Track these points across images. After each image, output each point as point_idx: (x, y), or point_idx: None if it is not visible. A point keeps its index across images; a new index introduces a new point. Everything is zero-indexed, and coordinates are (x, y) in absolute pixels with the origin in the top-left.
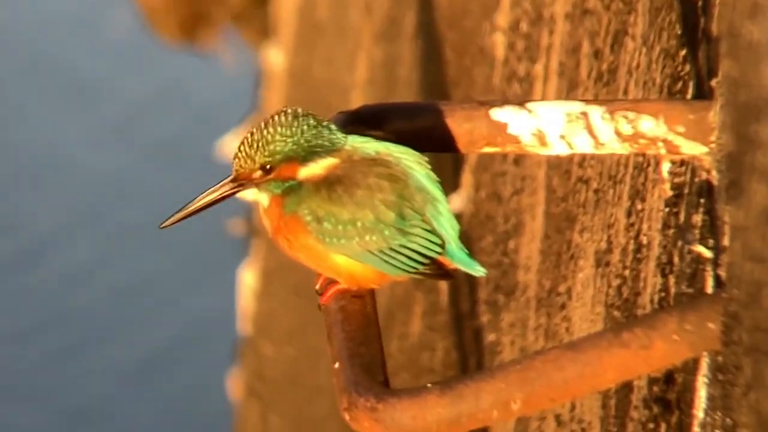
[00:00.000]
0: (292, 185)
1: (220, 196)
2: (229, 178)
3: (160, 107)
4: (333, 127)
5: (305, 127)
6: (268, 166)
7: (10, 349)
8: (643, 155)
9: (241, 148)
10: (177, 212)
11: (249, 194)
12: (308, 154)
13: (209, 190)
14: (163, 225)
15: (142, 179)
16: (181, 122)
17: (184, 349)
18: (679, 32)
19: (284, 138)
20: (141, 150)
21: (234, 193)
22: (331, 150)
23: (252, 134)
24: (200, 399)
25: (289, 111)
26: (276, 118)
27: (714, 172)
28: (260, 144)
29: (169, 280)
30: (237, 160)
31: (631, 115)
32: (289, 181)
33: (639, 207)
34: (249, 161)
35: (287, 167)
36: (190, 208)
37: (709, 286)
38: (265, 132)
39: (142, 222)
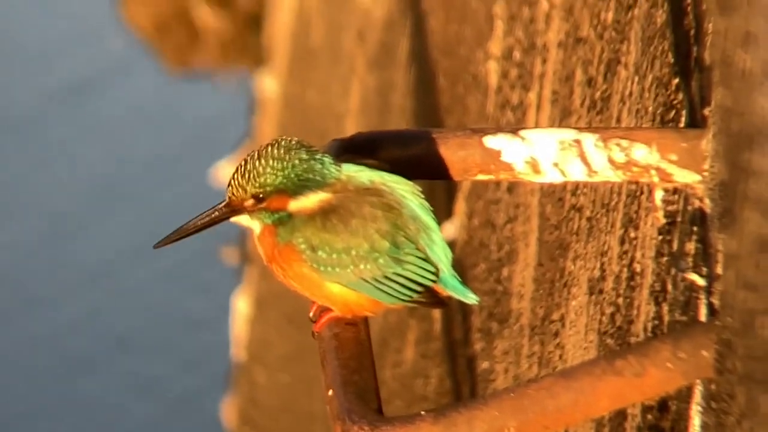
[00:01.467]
0: (283, 216)
1: (214, 220)
2: (223, 203)
3: (154, 131)
4: (326, 158)
5: (297, 161)
6: (260, 196)
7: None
8: (636, 183)
9: (234, 177)
10: (171, 234)
11: (242, 220)
12: (298, 188)
13: (203, 214)
14: (157, 245)
15: (135, 199)
16: (176, 146)
17: (177, 375)
18: (672, 61)
19: (275, 171)
20: (134, 171)
21: (227, 218)
22: (322, 184)
23: (245, 163)
24: (194, 425)
25: (282, 142)
26: (268, 149)
27: (707, 201)
28: (252, 175)
29: (162, 305)
30: (230, 187)
31: (624, 143)
32: (279, 212)
33: (632, 235)
34: (241, 190)
35: (277, 199)
36: (184, 230)
37: (703, 314)
38: (257, 163)
39: (136, 243)
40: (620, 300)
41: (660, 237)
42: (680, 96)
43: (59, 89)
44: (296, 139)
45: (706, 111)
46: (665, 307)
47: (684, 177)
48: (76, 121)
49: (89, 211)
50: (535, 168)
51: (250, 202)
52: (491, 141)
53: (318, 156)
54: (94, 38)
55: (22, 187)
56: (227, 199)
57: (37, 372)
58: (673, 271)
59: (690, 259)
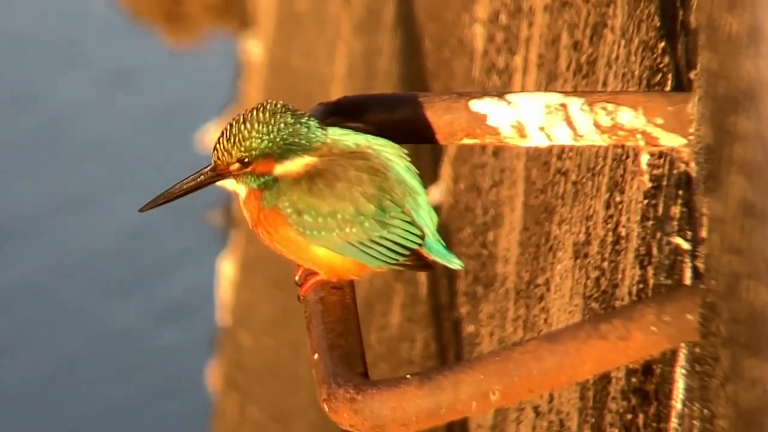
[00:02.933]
0: (269, 180)
1: (199, 184)
2: (209, 167)
3: (138, 95)
4: (312, 122)
5: (282, 125)
6: (245, 160)
7: None
8: (622, 147)
9: (220, 141)
10: (156, 197)
11: (228, 184)
12: (284, 152)
13: (189, 178)
14: (142, 209)
15: (121, 163)
16: (162, 110)
17: (162, 338)
18: (658, 24)
19: (260, 135)
20: (120, 136)
21: (212, 182)
22: (307, 148)
23: (230, 127)
24: (179, 389)
25: (268, 106)
26: (254, 113)
27: (692, 164)
28: (237, 139)
29: (147, 267)
30: (215, 151)
31: (609, 106)
32: (265, 176)
33: (618, 199)
34: (226, 154)
35: (263, 163)
36: (169, 194)
37: (688, 278)
38: (242, 127)
39: (119, 208)
40: (605, 264)
41: (645, 201)
42: (666, 59)
43: (41, 54)
44: (282, 102)
45: (692, 75)
46: (650, 271)
47: (670, 141)
48: (57, 85)
49: (73, 175)
50: (521, 132)
51: (235, 166)
52: (477, 105)
53: (304, 120)
54: (76, 1)
55: (16, 154)
56: (213, 163)
57: (25, 318)
58: (658, 234)
59: (675, 223)
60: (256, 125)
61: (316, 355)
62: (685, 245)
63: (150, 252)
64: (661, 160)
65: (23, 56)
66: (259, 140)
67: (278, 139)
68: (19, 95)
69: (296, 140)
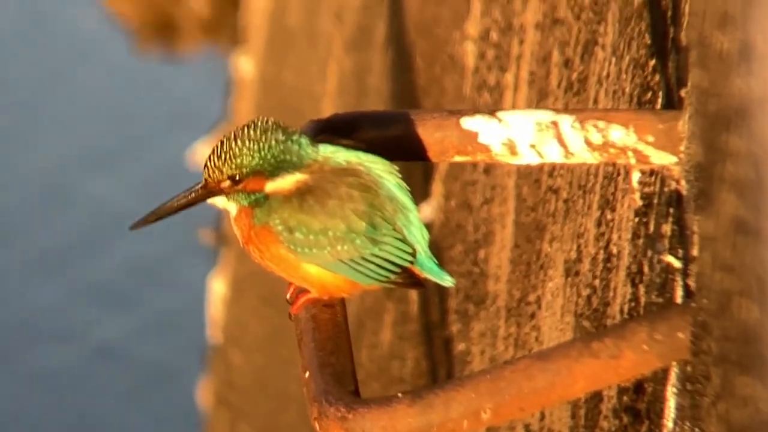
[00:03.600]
0: (259, 198)
1: (191, 201)
2: (200, 185)
3: (129, 111)
4: (303, 139)
5: (273, 142)
6: (236, 177)
7: None
8: (613, 165)
9: (211, 158)
10: (147, 215)
11: (218, 202)
12: (275, 169)
13: (180, 195)
14: (133, 227)
15: (112, 180)
16: (153, 127)
17: (153, 356)
18: (649, 42)
19: (251, 152)
20: (110, 153)
21: (203, 199)
22: (298, 165)
23: (221, 145)
24: (170, 407)
25: (258, 123)
26: (245, 130)
27: (683, 182)
28: (228, 156)
29: (138, 286)
30: (206, 169)
31: (601, 124)
32: (256, 193)
33: (609, 217)
34: (217, 172)
35: (254, 181)
36: (161, 212)
37: (679, 296)
38: (233, 144)
39: (111, 226)
40: (597, 282)
41: (636, 219)
42: (657, 77)
43: (31, 69)
44: (273, 119)
45: (683, 92)
46: (641, 289)
47: (661, 158)
48: (48, 102)
49: (64, 192)
50: (512, 149)
51: (226, 183)
52: (468, 122)
53: (295, 137)
54: (68, 17)
55: None
56: (204, 181)
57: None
58: (649, 252)
59: (666, 241)
60: (247, 142)
61: (307, 373)
62: (677, 263)
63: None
64: (652, 178)
65: (8, 66)
66: (250, 158)
67: (269, 157)
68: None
69: (287, 157)
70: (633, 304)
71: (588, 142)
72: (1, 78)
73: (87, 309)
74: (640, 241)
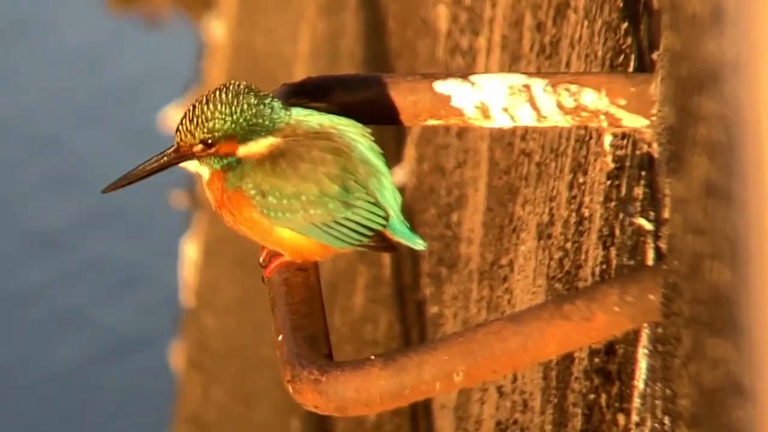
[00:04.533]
0: (232, 161)
1: (162, 165)
2: (172, 149)
3: (101, 75)
4: (276, 103)
5: (245, 106)
6: (208, 141)
7: None
8: (585, 128)
9: (183, 122)
10: (119, 179)
11: (191, 166)
12: (247, 133)
13: (152, 159)
14: (105, 190)
15: (82, 143)
16: (124, 91)
17: (125, 318)
18: (621, 5)
19: (223, 116)
20: (81, 119)
21: (175, 163)
22: (271, 129)
23: (193, 109)
24: (142, 371)
25: (231, 87)
26: (217, 94)
27: (655, 145)
28: (200, 120)
29: (109, 249)
30: (178, 133)
31: (573, 87)
32: (228, 157)
33: (581, 180)
34: (189, 135)
35: (226, 145)
36: (132, 176)
37: (650, 259)
38: (205, 108)
39: (82, 190)
40: (569, 245)
41: (608, 182)
42: (629, 40)
43: (6, 30)
44: (245, 83)
45: (655, 55)
46: (613, 252)
47: (632, 122)
48: (19, 63)
49: (35, 156)
50: (485, 113)
51: (198, 147)
52: (441, 86)
53: (267, 101)
54: None
55: None
56: (176, 145)
57: None
58: (621, 215)
59: (638, 204)
60: (219, 106)
61: (280, 337)
62: (648, 226)
63: (113, 233)
64: (624, 141)
65: None
66: (222, 121)
67: (241, 120)
68: None
69: (259, 121)
70: (604, 266)
71: (560, 106)
72: None
73: (46, 266)
74: (612, 204)
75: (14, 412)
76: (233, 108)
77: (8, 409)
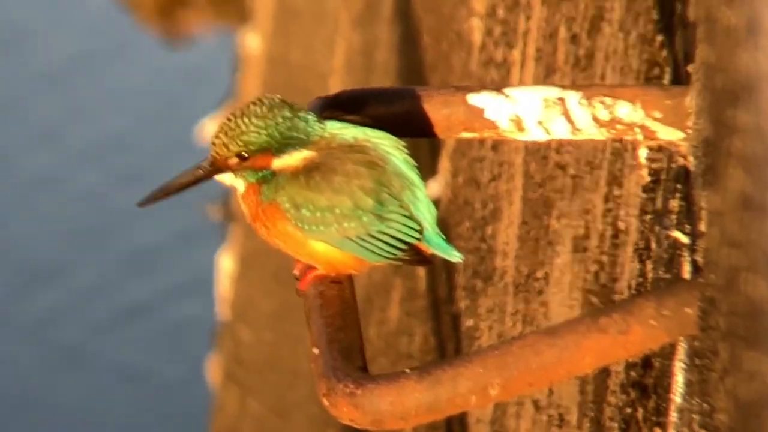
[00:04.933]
0: (266, 174)
1: (198, 178)
2: (207, 162)
3: (137, 88)
4: (310, 116)
5: (280, 119)
6: (243, 154)
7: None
8: (621, 141)
9: (218, 135)
10: (154, 192)
11: (226, 178)
12: (282, 146)
13: (187, 172)
14: (141, 204)
15: (119, 157)
16: (160, 104)
17: (162, 332)
18: (656, 17)
19: (258, 129)
20: (119, 131)
21: (211, 176)
22: (305, 142)
23: (228, 122)
24: (179, 385)
25: (265, 101)
26: (252, 107)
27: (691, 158)
28: (235, 133)
29: (147, 262)
30: (213, 146)
31: (608, 100)
32: (263, 170)
33: (616, 193)
34: (224, 149)
35: (261, 158)
36: (168, 189)
37: (686, 272)
38: (240, 122)
39: (122, 204)
40: (604, 258)
41: (644, 195)
42: (664, 53)
43: (41, 47)
44: (279, 97)
45: (690, 68)
46: (649, 265)
47: (668, 134)
48: (55, 76)
49: (72, 172)
50: (519, 126)
51: (233, 160)
52: (475, 99)
53: (301, 114)
54: None
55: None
56: (211, 158)
57: (26, 316)
58: (657, 228)
59: (674, 217)
60: (253, 119)
61: (315, 350)
62: (684, 239)
63: (150, 245)
64: (660, 154)
65: (21, 49)
66: (257, 134)
67: (276, 134)
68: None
69: (294, 134)
70: (641, 279)
71: (595, 119)
72: (13, 53)
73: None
74: (648, 217)
75: (54, 420)
76: (268, 121)
77: (51, 413)
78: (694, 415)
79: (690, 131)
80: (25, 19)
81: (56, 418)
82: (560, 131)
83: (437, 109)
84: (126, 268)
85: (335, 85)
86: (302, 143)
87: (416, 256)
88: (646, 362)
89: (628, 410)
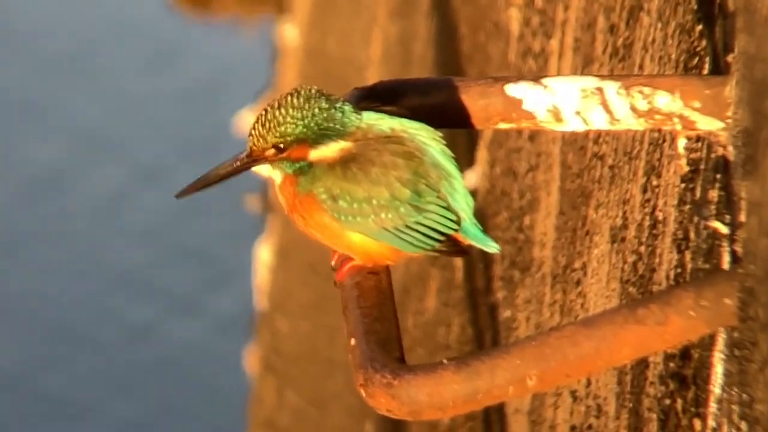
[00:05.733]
0: (304, 165)
1: (236, 170)
2: (245, 153)
3: (176, 79)
4: (347, 107)
5: (317, 110)
6: (281, 145)
7: None
8: (659, 131)
9: (255, 126)
10: (193, 183)
11: (263, 170)
12: (319, 137)
13: (225, 163)
14: (179, 195)
15: (157, 153)
16: (199, 94)
17: (200, 325)
18: (695, 7)
19: (295, 120)
20: (157, 124)
21: (248, 168)
22: (342, 133)
23: (265, 113)
24: (218, 374)
25: (302, 92)
26: (288, 98)
27: (730, 148)
28: (272, 124)
29: (185, 256)
30: (251, 137)
31: (646, 90)
32: (300, 162)
33: (654, 183)
34: (261, 140)
35: (298, 149)
36: (206, 180)
37: (726, 262)
38: (277, 113)
39: (158, 200)
40: (642, 248)
41: (683, 185)
42: (703, 43)
43: (78, 33)
44: (316, 88)
45: (730, 58)
46: (688, 255)
47: (707, 124)
48: (96, 68)
49: (105, 154)
50: (557, 116)
51: (271, 151)
52: (513, 89)
53: (338, 105)
54: None
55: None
56: (249, 149)
57: (49, 313)
58: (695, 218)
59: (713, 207)
60: (290, 111)
61: (352, 340)
62: (723, 229)
63: (188, 237)
64: (699, 144)
65: (62, 36)
66: (294, 126)
67: (313, 125)
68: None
69: (331, 125)
70: (679, 270)
71: (633, 109)
72: (42, 41)
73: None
74: (687, 207)
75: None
76: (305, 112)
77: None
78: (733, 406)
79: (729, 121)
80: (69, 9)
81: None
82: (598, 121)
83: (474, 100)
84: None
85: (372, 76)
86: (339, 134)
87: (453, 247)
88: (685, 353)
89: (667, 401)
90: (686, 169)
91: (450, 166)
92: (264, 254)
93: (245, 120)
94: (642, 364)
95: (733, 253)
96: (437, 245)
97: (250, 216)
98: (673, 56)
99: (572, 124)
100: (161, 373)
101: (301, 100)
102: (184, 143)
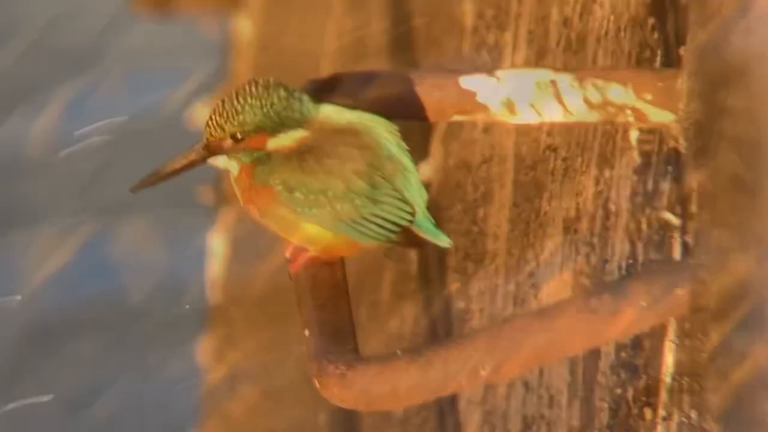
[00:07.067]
0: (261, 155)
1: (192, 163)
2: (201, 145)
3: (126, 70)
4: (305, 97)
5: (275, 99)
6: (238, 136)
7: None
8: (612, 123)
9: (212, 117)
10: (147, 177)
11: (220, 162)
12: (277, 126)
13: (180, 156)
14: (134, 189)
15: (114, 143)
16: (150, 88)
17: (152, 314)
18: (648, 0)
19: (253, 109)
20: (106, 111)
21: (204, 160)
22: (301, 122)
23: (222, 103)
24: (169, 366)
25: (260, 81)
26: (246, 88)
27: (682, 140)
28: (230, 114)
29: (135, 246)
30: (207, 128)
31: (599, 82)
32: (258, 151)
33: (607, 175)
34: (219, 130)
35: (256, 138)
36: (161, 173)
37: (677, 253)
38: (235, 102)
39: (115, 193)
40: (595, 239)
41: (635, 177)
42: (656, 35)
43: (30, 26)
44: (274, 78)
45: (682, 50)
46: (640, 246)
47: (659, 117)
48: (46, 55)
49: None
50: (511, 109)
51: (228, 142)
52: (467, 81)
53: (296, 94)
54: None
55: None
56: (205, 140)
57: None
58: (647, 210)
59: (665, 199)
60: (249, 99)
61: (306, 332)
62: (675, 220)
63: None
64: (651, 136)
65: (19, 39)
66: (253, 114)
67: (272, 113)
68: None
69: (290, 114)
70: (631, 261)
71: (587, 101)
72: (9, 32)
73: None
74: (639, 199)
75: None
76: (264, 101)
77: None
78: (684, 396)
79: (681, 113)
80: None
81: None
82: (552, 114)
83: (429, 93)
84: None
85: (327, 69)
86: (297, 123)
87: (408, 238)
88: (637, 343)
89: (619, 391)
90: (638, 161)
91: (405, 159)
92: (217, 246)
93: (199, 113)
94: (594, 355)
95: (685, 244)
96: (392, 237)
97: (202, 208)
98: (626, 49)
99: (526, 117)
100: (118, 358)
101: (260, 89)
102: (139, 136)
